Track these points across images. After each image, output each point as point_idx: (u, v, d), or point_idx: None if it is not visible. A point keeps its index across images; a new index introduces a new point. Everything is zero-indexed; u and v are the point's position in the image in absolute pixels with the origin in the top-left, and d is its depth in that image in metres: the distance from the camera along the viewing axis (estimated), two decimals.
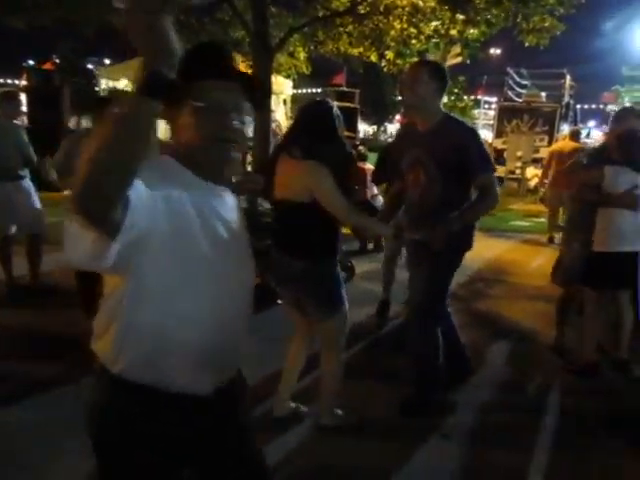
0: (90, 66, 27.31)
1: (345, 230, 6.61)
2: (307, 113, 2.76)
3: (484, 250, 7.08)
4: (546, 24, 6.22)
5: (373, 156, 7.77)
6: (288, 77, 9.91)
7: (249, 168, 8.90)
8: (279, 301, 4.66)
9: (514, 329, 4.59)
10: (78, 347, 3.43)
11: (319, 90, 21.55)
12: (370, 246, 6.93)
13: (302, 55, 8.23)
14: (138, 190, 1.06)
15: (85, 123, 11.71)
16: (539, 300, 5.34)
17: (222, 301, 1.30)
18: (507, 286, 5.91)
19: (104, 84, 11.26)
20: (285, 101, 11.71)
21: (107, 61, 36.39)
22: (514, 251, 7.82)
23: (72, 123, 10.81)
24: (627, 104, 33.34)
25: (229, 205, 1.36)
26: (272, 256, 2.84)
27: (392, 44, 7.43)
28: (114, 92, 11.56)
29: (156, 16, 0.96)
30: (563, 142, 8.62)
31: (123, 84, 10.62)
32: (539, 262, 7.13)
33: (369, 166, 6.98)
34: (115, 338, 1.22)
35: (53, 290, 4.65)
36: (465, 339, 3.64)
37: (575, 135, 8.92)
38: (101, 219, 1.00)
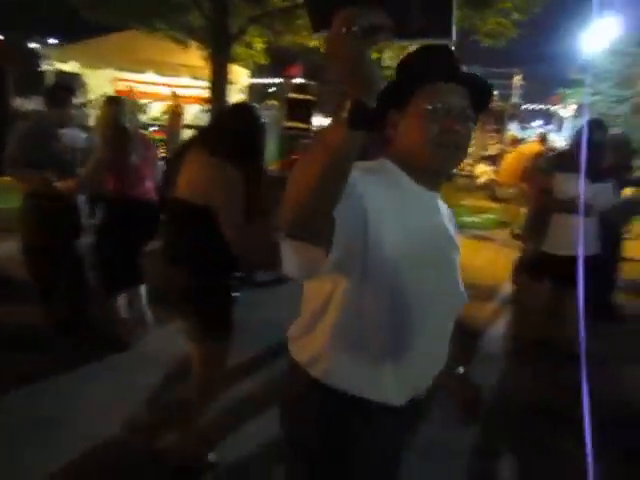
0: (33, 45, 26.15)
1: None
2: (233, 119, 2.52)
3: None
4: (501, 28, 6.42)
5: None
6: (245, 67, 9.81)
7: None
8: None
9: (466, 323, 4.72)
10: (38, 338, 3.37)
11: (276, 80, 21.43)
12: None
13: (260, 46, 8.16)
14: (353, 199, 1.06)
15: (30, 105, 11.25)
16: (491, 294, 5.53)
17: (440, 318, 1.29)
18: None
19: (50, 65, 10.79)
20: (242, 91, 11.57)
21: (51, 41, 35.01)
22: (464, 247, 8.00)
23: (17, 104, 10.35)
24: (572, 106, 34.62)
25: (444, 213, 1.38)
26: None
27: None
28: (62, 74, 11.15)
29: (369, 44, 0.93)
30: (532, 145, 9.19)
31: (72, 66, 10.23)
32: (489, 257, 7.37)
33: None
34: (321, 340, 1.22)
35: (5, 279, 4.44)
36: None
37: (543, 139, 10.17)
38: (315, 240, 1.05)
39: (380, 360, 1.21)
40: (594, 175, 3.62)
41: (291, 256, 1.12)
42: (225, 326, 2.44)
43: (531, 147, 8.84)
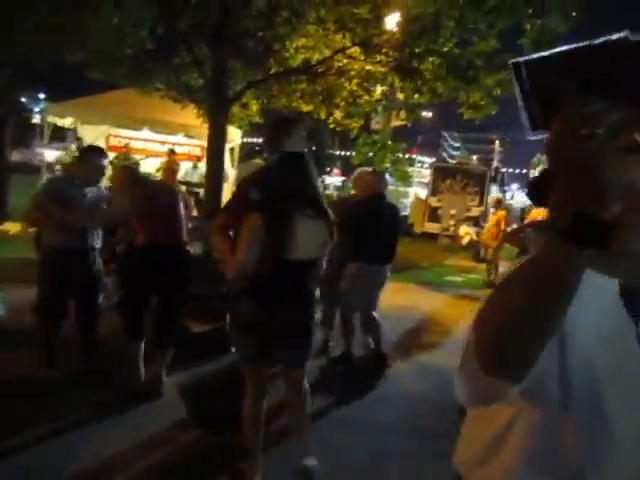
0: (23, 99, 26.82)
1: None
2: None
3: (422, 303, 7.39)
4: (483, 103, 6.87)
5: None
6: (240, 127, 10.12)
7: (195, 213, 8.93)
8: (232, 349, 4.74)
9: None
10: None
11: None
12: None
13: (255, 107, 8.49)
14: None
15: (22, 157, 11.45)
16: None
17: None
18: (445, 337, 6.17)
19: (46, 120, 11.02)
20: (233, 150, 11.89)
21: (41, 95, 35.76)
22: (450, 305, 8.17)
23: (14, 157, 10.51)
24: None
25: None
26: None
27: (342, 104, 7.84)
28: (57, 128, 11.37)
29: (615, 147, 0.74)
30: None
31: (69, 122, 10.48)
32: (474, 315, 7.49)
33: None
34: (509, 466, 1.11)
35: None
36: (410, 386, 3.79)
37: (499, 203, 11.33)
38: (514, 380, 0.87)
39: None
40: None
41: (464, 383, 0.98)
42: None
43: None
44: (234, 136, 10.92)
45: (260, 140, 23.13)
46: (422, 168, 26.83)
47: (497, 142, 18.12)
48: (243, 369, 2.84)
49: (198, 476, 2.94)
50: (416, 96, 6.89)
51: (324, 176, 41.71)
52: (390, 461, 3.24)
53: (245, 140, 12.25)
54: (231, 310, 2.98)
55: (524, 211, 13.65)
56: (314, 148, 31.93)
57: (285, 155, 2.83)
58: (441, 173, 16.44)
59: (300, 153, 2.85)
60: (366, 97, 7.27)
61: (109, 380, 3.84)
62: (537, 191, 0.82)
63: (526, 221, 8.43)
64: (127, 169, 4.18)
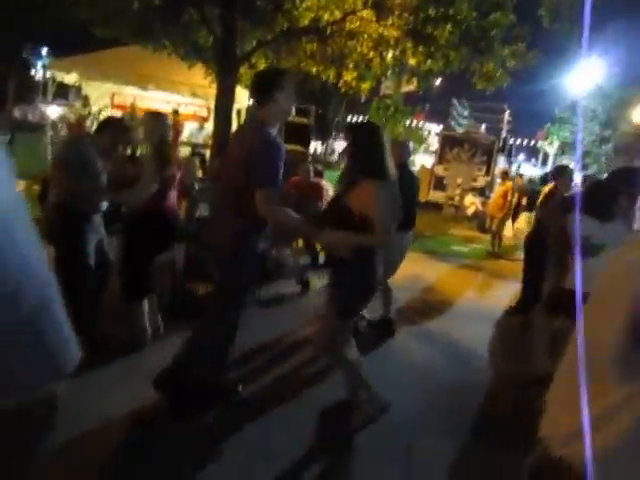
0: (25, 55, 26.41)
1: (299, 243, 6.76)
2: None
3: (426, 272, 7.38)
4: (497, 74, 6.71)
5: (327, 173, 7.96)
6: (247, 88, 9.96)
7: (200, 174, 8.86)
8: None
9: (459, 349, 4.83)
10: None
11: None
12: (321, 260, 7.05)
13: (263, 67, 8.31)
14: None
15: (19, 114, 11.29)
16: (483, 322, 5.66)
17: None
18: (447, 306, 6.18)
19: (51, 75, 10.84)
20: (239, 112, 11.74)
21: (44, 51, 35.12)
22: (454, 275, 8.18)
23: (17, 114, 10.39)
24: (556, 143, 35.34)
25: None
26: None
27: (352, 66, 7.67)
28: (62, 85, 11.20)
29: None
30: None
31: (73, 79, 10.31)
32: (478, 285, 7.54)
33: (324, 182, 7.12)
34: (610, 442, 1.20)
35: None
36: (413, 352, 3.82)
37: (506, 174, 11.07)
38: None
39: None
40: (605, 216, 3.77)
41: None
42: None
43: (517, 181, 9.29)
44: (241, 97, 10.77)
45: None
46: (430, 136, 26.56)
47: (507, 112, 17.85)
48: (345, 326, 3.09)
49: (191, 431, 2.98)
50: (429, 62, 6.74)
51: (331, 140, 41.36)
52: (394, 421, 3.28)
53: (251, 102, 12.03)
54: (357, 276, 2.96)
55: (532, 182, 13.48)
56: (320, 111, 31.58)
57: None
58: (449, 142, 16.24)
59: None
60: (377, 60, 7.12)
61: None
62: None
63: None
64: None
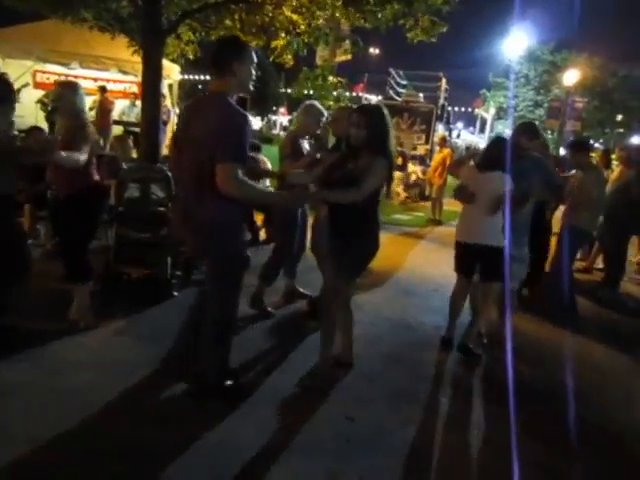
0: None
1: None
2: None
3: None
4: (431, 24, 6.64)
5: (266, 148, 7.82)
6: (174, 61, 9.58)
7: (135, 154, 8.54)
8: (175, 294, 4.64)
9: (403, 316, 4.88)
10: None
11: (208, 77, 21.00)
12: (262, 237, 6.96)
13: (187, 37, 7.97)
14: None
15: None
16: (427, 288, 5.75)
17: None
18: (388, 275, 6.24)
19: None
20: (171, 87, 11.33)
21: None
22: (395, 243, 8.26)
23: None
24: (492, 109, 36.19)
25: None
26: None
27: (282, 34, 7.46)
28: None
29: None
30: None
31: None
32: (417, 253, 7.65)
33: (262, 157, 6.99)
34: None
35: None
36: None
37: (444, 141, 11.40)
38: None
39: None
40: (488, 166, 3.94)
41: None
42: None
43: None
44: (171, 72, 10.38)
45: (202, 77, 22.16)
46: None
47: (443, 80, 18.00)
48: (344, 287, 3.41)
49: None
50: (361, 22, 6.63)
51: (270, 115, 40.85)
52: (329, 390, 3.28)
53: (185, 77, 11.64)
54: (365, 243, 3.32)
55: (469, 150, 13.72)
56: (259, 85, 31.06)
57: None
58: (388, 111, 16.24)
59: None
60: (304, 26, 6.89)
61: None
62: None
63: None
64: None
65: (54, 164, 3.64)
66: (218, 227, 2.82)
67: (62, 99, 3.65)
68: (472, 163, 4.29)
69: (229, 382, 3.13)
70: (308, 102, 4.63)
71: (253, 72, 2.86)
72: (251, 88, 2.92)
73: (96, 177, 3.85)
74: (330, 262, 3.42)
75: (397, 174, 11.66)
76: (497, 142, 4.19)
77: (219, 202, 2.71)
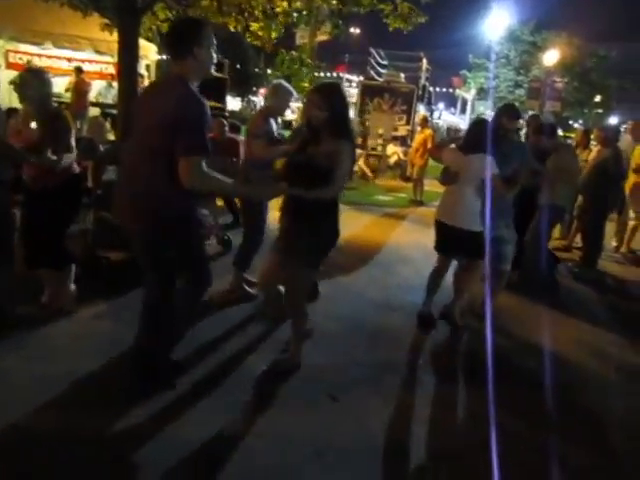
0: None
1: (219, 203, 6.57)
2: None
3: (349, 223, 7.41)
4: (409, 11, 6.59)
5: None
6: (150, 41, 9.37)
7: (112, 136, 8.39)
8: None
9: (387, 296, 4.91)
10: None
11: None
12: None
13: (164, 15, 7.79)
14: None
15: None
16: (409, 267, 5.77)
17: None
18: (370, 256, 6.26)
19: None
20: (149, 67, 11.10)
21: None
22: (377, 224, 8.27)
23: None
24: (473, 90, 36.23)
25: None
26: None
27: (260, 15, 7.35)
28: None
29: None
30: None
31: None
32: (399, 234, 7.67)
33: (241, 138, 6.91)
34: None
35: None
36: (337, 308, 3.83)
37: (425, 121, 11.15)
38: None
39: None
40: (470, 148, 3.95)
41: None
42: None
43: None
44: (148, 51, 10.17)
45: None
46: (350, 87, 26.38)
47: (424, 60, 17.90)
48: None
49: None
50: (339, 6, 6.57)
51: (249, 96, 40.38)
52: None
53: (162, 57, 11.42)
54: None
55: (449, 130, 13.74)
56: (238, 66, 30.58)
57: None
58: (368, 91, 16.16)
59: None
60: (284, 7, 6.80)
61: None
62: None
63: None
64: None
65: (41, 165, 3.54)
66: (166, 216, 2.68)
67: (27, 87, 3.51)
68: (453, 146, 4.29)
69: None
70: (276, 82, 4.59)
71: (214, 55, 2.71)
72: (212, 71, 2.76)
73: (75, 169, 3.76)
74: (290, 247, 3.21)
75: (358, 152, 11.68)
76: (478, 123, 4.20)
77: (170, 191, 2.59)
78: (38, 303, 3.80)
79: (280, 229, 3.29)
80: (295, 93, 4.51)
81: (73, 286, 3.93)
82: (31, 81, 3.48)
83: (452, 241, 4.07)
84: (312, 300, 4.32)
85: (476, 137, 3.99)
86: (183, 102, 2.54)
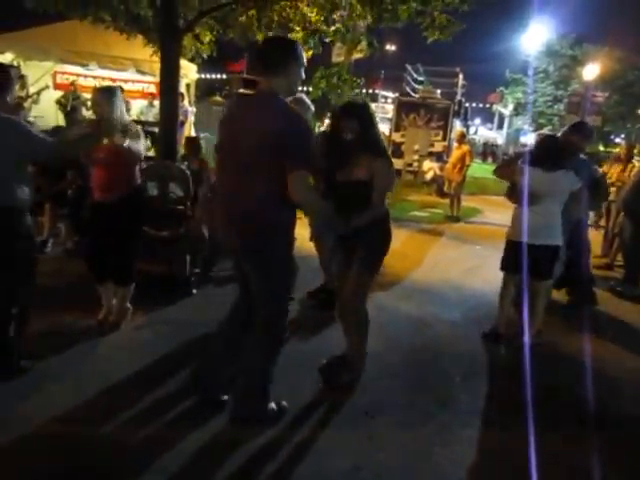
0: None
1: None
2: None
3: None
4: (449, 23, 6.59)
5: None
6: (192, 61, 9.62)
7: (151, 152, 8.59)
8: (194, 291, 4.67)
9: (423, 313, 4.85)
10: None
11: (224, 76, 21.13)
12: None
13: (208, 38, 8.01)
14: None
15: None
16: (445, 285, 5.70)
17: None
18: (407, 272, 6.19)
19: None
20: (189, 86, 11.38)
21: None
22: (414, 240, 8.20)
23: None
24: (510, 105, 35.81)
25: None
26: None
27: (299, 33, 7.45)
28: None
29: None
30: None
31: (9, 58, 9.77)
32: (436, 250, 7.59)
33: None
34: None
35: None
36: (373, 323, 3.80)
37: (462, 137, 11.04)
38: None
39: None
40: (548, 166, 3.90)
41: None
42: None
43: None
44: (188, 71, 10.43)
45: (217, 76, 22.23)
46: (386, 103, 26.40)
47: (460, 76, 17.83)
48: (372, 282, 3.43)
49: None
50: (377, 22, 6.62)
51: None
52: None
53: (202, 76, 11.69)
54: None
55: (487, 146, 13.60)
56: None
57: None
58: (404, 107, 16.16)
59: None
60: (323, 26, 6.90)
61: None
62: None
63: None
64: None
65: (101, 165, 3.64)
66: (271, 228, 2.67)
67: (99, 106, 3.59)
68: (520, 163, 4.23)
69: (272, 404, 2.90)
70: (298, 95, 4.59)
71: (303, 74, 2.75)
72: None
73: (138, 179, 3.88)
74: (343, 255, 3.36)
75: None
76: (549, 140, 4.20)
77: (274, 204, 2.60)
78: (95, 318, 3.87)
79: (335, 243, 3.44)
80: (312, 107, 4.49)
81: (129, 305, 3.99)
82: (109, 97, 3.57)
83: (528, 258, 3.96)
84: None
85: (548, 153, 3.98)
86: (285, 118, 2.57)
